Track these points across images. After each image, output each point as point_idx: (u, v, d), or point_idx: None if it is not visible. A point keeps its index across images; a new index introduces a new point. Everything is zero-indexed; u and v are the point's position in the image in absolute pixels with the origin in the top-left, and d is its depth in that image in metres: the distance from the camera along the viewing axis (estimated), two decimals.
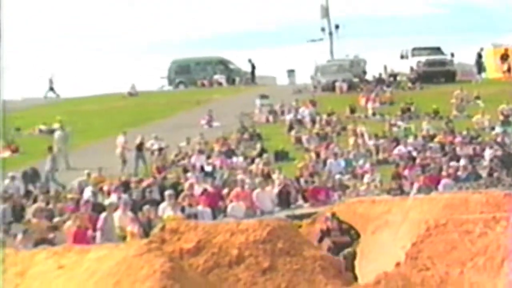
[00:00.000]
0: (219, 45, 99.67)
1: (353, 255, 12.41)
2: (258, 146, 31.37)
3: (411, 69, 46.73)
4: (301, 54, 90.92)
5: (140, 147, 29.76)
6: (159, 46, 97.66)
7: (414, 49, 47.85)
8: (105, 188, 23.91)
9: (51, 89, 50.00)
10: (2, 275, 8.66)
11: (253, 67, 52.57)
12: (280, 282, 9.07)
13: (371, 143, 31.67)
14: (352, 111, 38.13)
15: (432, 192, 23.03)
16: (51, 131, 33.29)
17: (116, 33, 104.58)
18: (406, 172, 27.19)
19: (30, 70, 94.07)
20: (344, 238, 13.70)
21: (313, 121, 36.10)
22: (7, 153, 31.97)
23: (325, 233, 13.96)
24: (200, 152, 30.01)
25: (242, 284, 9.01)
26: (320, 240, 13.72)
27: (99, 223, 19.07)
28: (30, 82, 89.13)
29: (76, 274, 8.48)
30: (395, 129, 34.26)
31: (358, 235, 13.12)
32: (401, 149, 30.59)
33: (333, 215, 14.08)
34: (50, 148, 28.26)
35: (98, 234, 18.77)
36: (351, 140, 31.79)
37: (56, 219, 20.24)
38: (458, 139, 31.39)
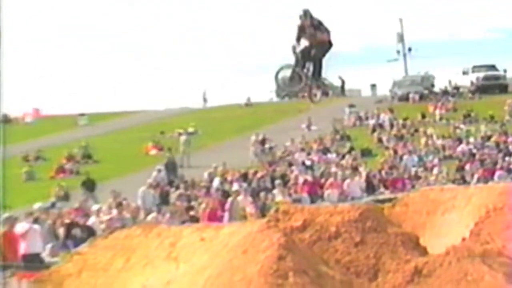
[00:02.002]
0: None
1: None
2: (348, 145, 31.31)
3: (471, 83, 45.64)
4: (381, 71, 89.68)
5: (263, 143, 30.79)
6: (270, 66, 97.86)
7: (474, 66, 46.79)
8: (229, 178, 24.28)
9: (205, 100, 51.04)
10: (159, 245, 9.00)
11: (343, 82, 51.77)
12: (368, 253, 9.09)
13: (438, 142, 31.21)
14: (423, 116, 37.63)
15: (489, 182, 22.61)
16: (187, 134, 34.06)
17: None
18: (467, 166, 26.74)
19: (177, 85, 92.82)
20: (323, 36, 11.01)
21: (391, 125, 35.76)
22: (154, 151, 32.87)
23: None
24: (302, 150, 30.19)
25: (339, 254, 9.07)
26: (298, 39, 10.99)
27: (227, 206, 19.35)
28: (171, 94, 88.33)
29: (214, 245, 8.72)
30: (458, 131, 33.63)
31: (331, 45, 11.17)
32: (463, 147, 30.10)
33: None
34: (169, 149, 28.72)
35: (226, 214, 19.07)
36: (423, 140, 31.42)
37: (193, 203, 20.72)
38: (510, 139, 30.68)
